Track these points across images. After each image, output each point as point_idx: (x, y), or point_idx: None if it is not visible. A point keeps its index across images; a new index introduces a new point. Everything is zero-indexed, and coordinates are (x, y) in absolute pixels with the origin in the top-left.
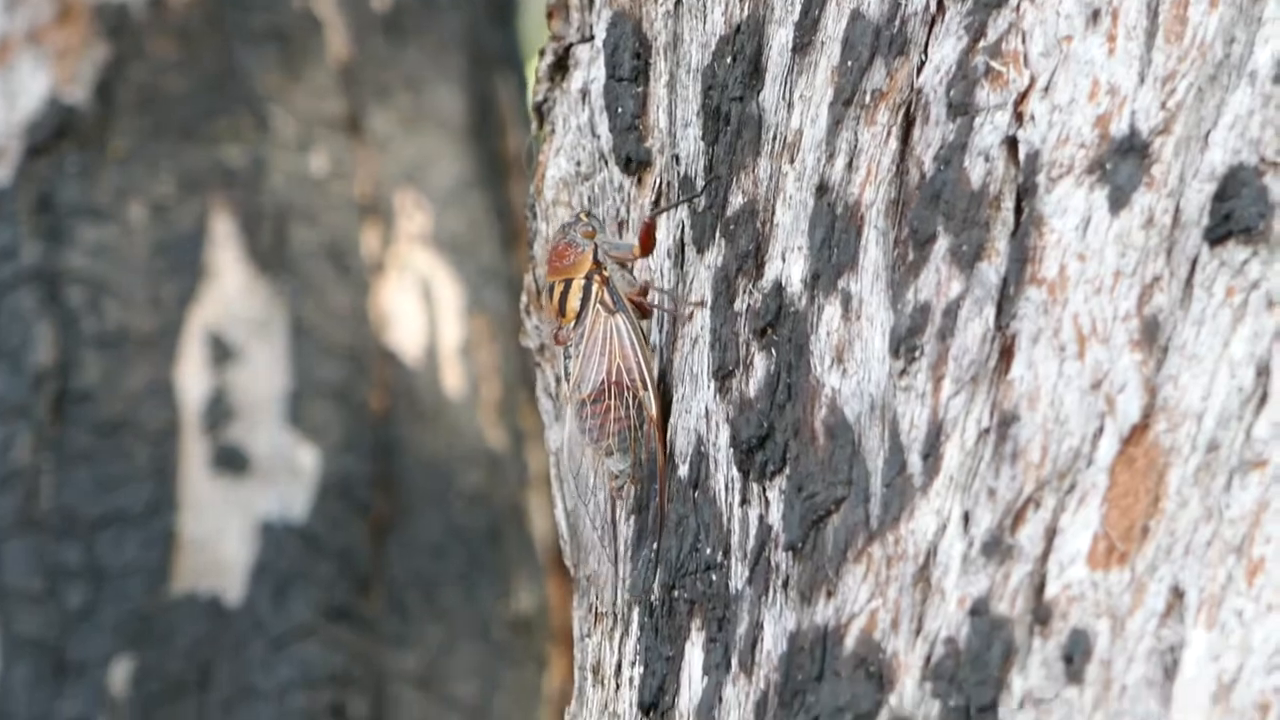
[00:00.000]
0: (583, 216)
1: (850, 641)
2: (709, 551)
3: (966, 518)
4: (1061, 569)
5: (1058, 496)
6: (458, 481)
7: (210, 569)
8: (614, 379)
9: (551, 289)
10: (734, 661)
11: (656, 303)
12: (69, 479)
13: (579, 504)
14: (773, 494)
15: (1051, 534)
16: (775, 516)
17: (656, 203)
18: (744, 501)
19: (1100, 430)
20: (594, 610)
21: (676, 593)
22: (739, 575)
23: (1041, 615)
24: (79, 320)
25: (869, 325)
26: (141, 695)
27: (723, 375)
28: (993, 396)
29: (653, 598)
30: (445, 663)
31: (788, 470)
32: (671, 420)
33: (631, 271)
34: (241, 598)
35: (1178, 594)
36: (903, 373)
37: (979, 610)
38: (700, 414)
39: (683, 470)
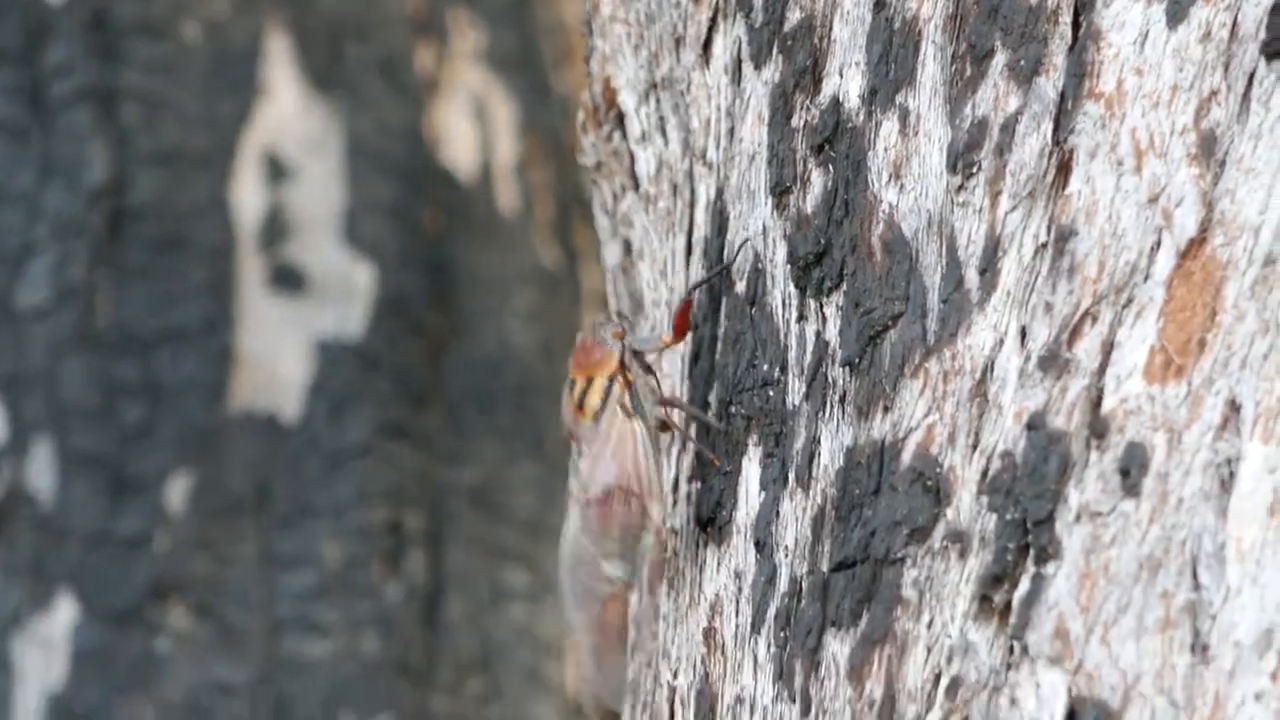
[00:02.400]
0: (614, 317)
1: (907, 456)
2: (766, 368)
3: (1023, 332)
4: (1118, 383)
5: (1114, 311)
6: (512, 300)
7: (267, 387)
8: (622, 484)
9: (573, 385)
10: (791, 476)
11: (677, 419)
12: (126, 296)
13: (573, 605)
14: (830, 310)
15: (1108, 348)
16: (832, 332)
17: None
18: (801, 318)
19: (1157, 244)
20: None
21: (733, 409)
22: (796, 391)
23: (1098, 429)
24: (134, 138)
25: (926, 141)
26: (199, 512)
27: (780, 192)
28: (1050, 211)
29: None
30: (501, 479)
31: (845, 286)
32: (728, 237)
33: (658, 376)
34: (299, 415)
35: (1234, 407)
36: (960, 188)
37: (1036, 424)
38: (757, 231)
39: (739, 287)
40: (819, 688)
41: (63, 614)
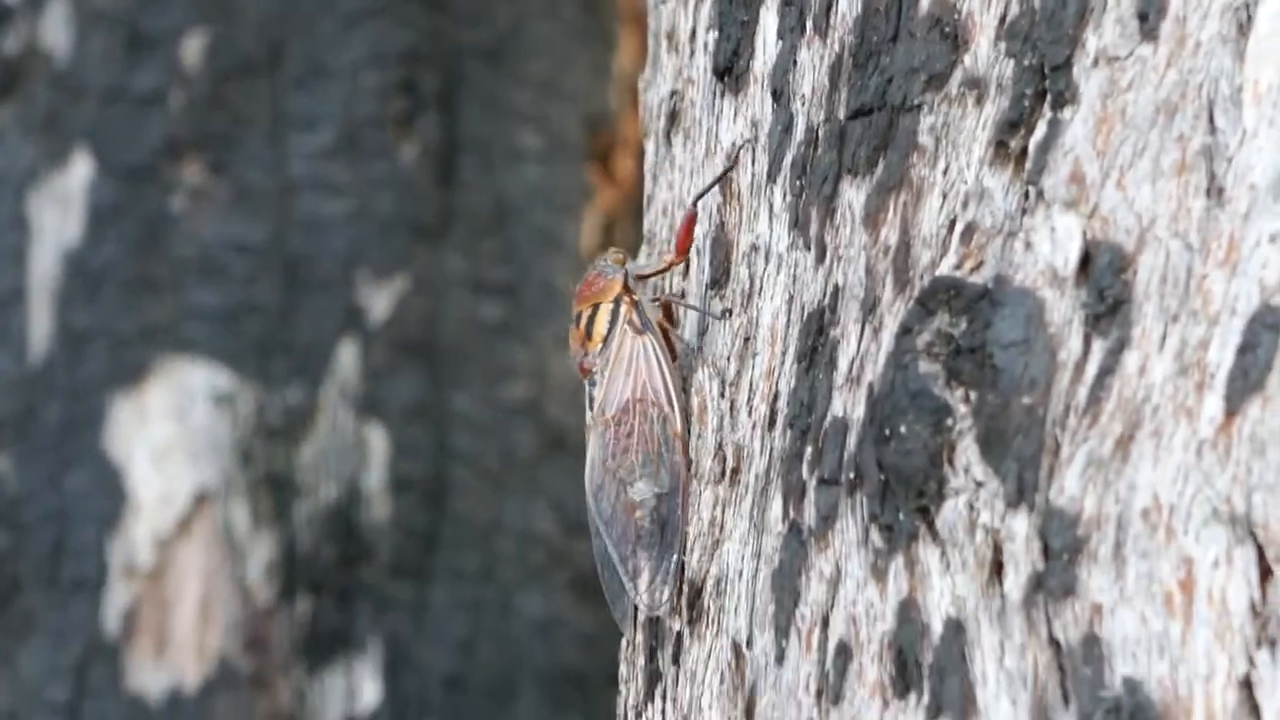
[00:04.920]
0: (612, 249)
1: (925, 2)
2: None
3: None
4: None
5: None
6: None
7: None
8: (639, 397)
9: (579, 317)
10: (809, 25)
11: (682, 314)
12: None
13: (599, 526)
14: None
15: None
16: None
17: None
18: None
19: None
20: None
21: None
22: None
23: None
24: None
25: None
26: (213, 70)
27: None
28: None
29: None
30: (516, 40)
31: None
32: None
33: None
34: None
35: None
36: None
37: None
38: None
39: None
40: (834, 234)
41: (78, 171)
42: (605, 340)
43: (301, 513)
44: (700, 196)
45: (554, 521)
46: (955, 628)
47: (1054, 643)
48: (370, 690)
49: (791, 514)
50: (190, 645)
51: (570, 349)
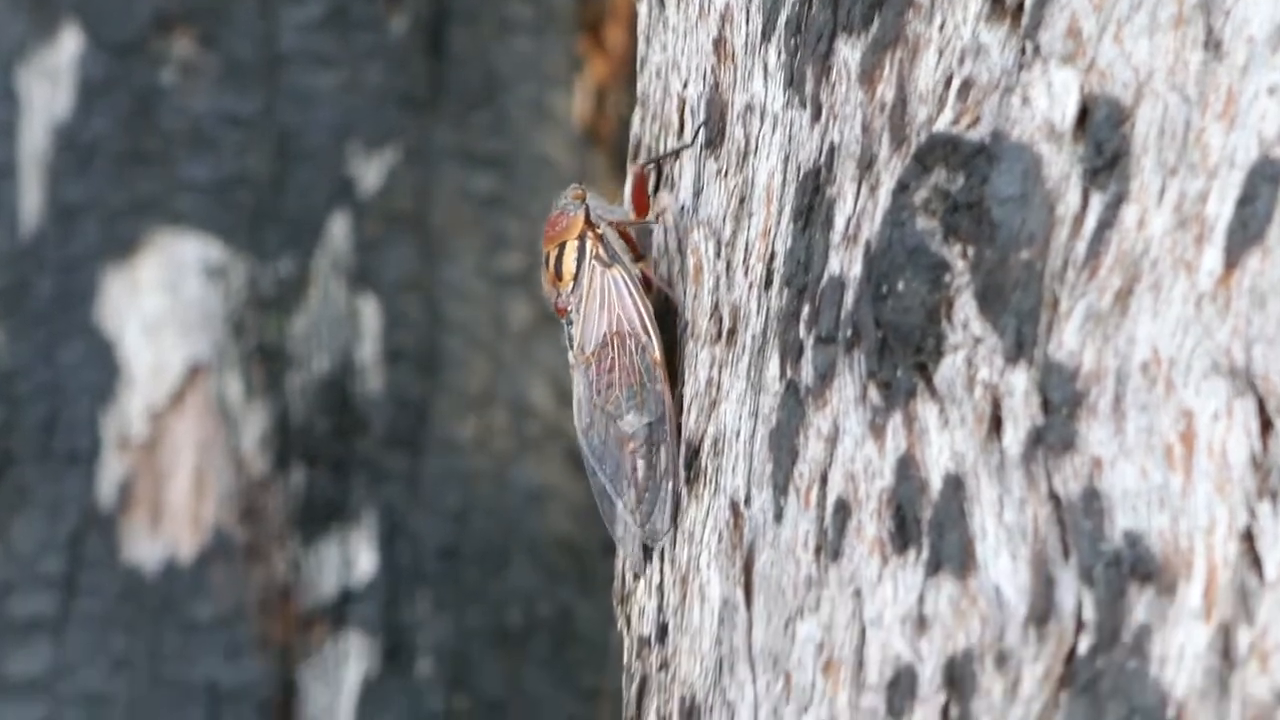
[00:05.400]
0: (572, 185)
1: None
2: None
3: None
4: None
5: None
6: None
7: None
8: (615, 330)
9: (548, 258)
10: None
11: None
12: None
13: (593, 464)
14: None
15: None
16: None
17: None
18: None
19: None
20: None
21: None
22: None
23: None
24: None
25: None
26: None
27: None
28: None
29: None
30: None
31: None
32: None
33: (626, 238)
34: None
35: None
36: None
37: None
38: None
39: None
40: (830, 93)
41: (68, 44)
42: (575, 278)
43: (295, 384)
44: (649, 162)
45: (548, 393)
46: (954, 483)
47: (1054, 497)
48: (365, 560)
49: (789, 373)
50: (185, 516)
51: (545, 291)
